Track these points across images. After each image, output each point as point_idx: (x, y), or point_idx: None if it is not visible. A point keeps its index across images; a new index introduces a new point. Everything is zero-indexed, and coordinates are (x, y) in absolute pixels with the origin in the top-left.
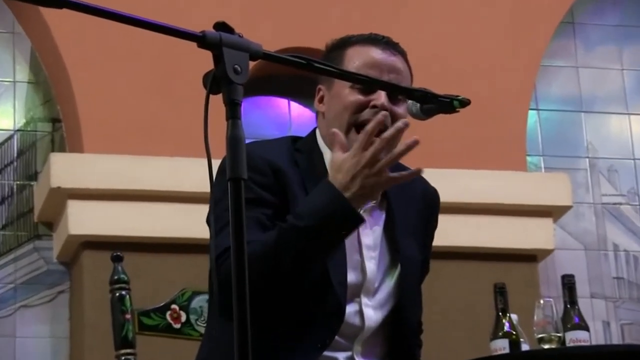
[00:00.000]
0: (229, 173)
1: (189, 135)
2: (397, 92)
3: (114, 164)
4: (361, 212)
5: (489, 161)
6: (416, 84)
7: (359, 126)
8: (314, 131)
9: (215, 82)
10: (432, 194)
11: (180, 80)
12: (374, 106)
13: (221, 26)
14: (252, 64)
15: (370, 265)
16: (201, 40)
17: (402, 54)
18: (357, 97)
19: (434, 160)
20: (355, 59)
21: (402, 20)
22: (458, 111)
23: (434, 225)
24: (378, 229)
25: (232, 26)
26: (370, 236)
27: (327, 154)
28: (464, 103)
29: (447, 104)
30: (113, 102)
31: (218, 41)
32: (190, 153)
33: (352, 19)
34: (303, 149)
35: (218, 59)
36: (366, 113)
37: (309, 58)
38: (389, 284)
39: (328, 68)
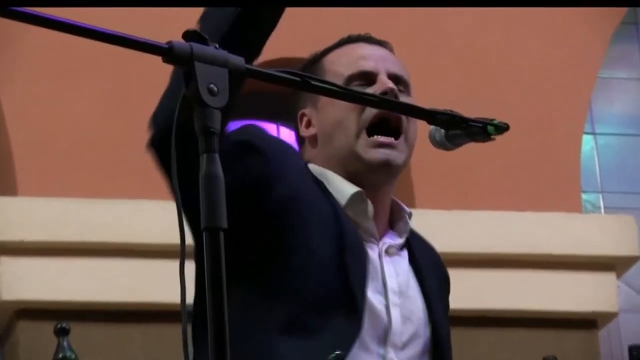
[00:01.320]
0: (204, 221)
1: (152, 173)
2: (415, 115)
3: (56, 210)
4: (384, 247)
5: (535, 201)
6: (442, 104)
7: (373, 127)
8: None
9: (185, 105)
10: (446, 271)
11: (141, 104)
12: (383, 93)
13: (192, 35)
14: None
15: (395, 314)
16: (167, 53)
17: (392, 50)
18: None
19: (465, 200)
20: (339, 61)
21: (426, 27)
22: (494, 139)
23: (448, 304)
24: (403, 274)
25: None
26: (394, 279)
27: (334, 180)
28: (501, 129)
29: (480, 130)
30: (54, 131)
31: (188, 54)
32: (153, 195)
33: (359, 23)
34: None
35: (189, 77)
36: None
37: (305, 74)
38: (419, 342)
39: (330, 87)
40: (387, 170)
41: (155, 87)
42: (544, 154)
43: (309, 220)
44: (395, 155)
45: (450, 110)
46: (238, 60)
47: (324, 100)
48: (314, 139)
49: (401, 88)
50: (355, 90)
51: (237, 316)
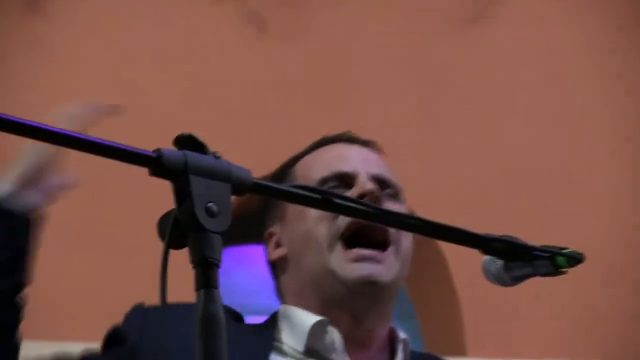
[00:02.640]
0: None
1: None
2: (465, 242)
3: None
4: None
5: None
6: (486, 225)
7: (351, 239)
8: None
9: (177, 230)
10: None
11: (121, 228)
12: (362, 196)
13: (186, 141)
14: (234, 199)
15: None
16: (155, 163)
17: (378, 151)
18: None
19: (515, 349)
20: (312, 165)
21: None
22: (565, 272)
23: None
24: None
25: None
26: None
27: (294, 317)
28: (574, 260)
29: (548, 262)
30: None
31: (182, 165)
32: None
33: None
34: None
35: (182, 194)
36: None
37: (326, 191)
38: None
39: (357, 206)
40: (372, 290)
41: (139, 210)
42: (630, 296)
43: None
44: (382, 272)
45: (510, 237)
46: (243, 171)
47: (292, 212)
48: (283, 261)
49: (389, 192)
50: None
51: None
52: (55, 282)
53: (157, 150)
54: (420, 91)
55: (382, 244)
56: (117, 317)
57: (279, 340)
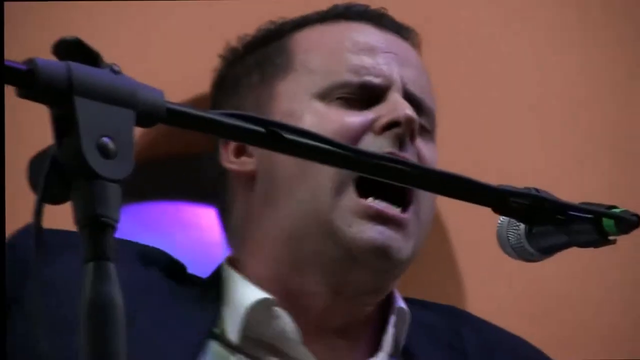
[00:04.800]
0: None
1: None
2: (466, 197)
3: None
4: None
5: None
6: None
7: (366, 184)
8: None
9: (56, 176)
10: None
11: None
12: (391, 125)
13: (71, 48)
14: (141, 133)
15: None
16: (24, 79)
17: (417, 45)
18: (347, 117)
19: None
20: (317, 50)
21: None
22: (614, 241)
23: None
24: None
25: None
26: None
27: (234, 290)
28: (629, 224)
29: (589, 227)
30: None
31: (64, 81)
32: None
33: None
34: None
35: (63, 125)
36: (371, 142)
37: (274, 123)
38: None
39: (323, 145)
40: (382, 265)
41: None
42: None
43: None
44: (400, 243)
45: (536, 190)
46: (153, 94)
47: (283, 108)
48: (247, 183)
49: (423, 123)
50: (372, 153)
51: None
52: None
53: (29, 61)
54: None
55: (401, 200)
56: None
57: (221, 318)
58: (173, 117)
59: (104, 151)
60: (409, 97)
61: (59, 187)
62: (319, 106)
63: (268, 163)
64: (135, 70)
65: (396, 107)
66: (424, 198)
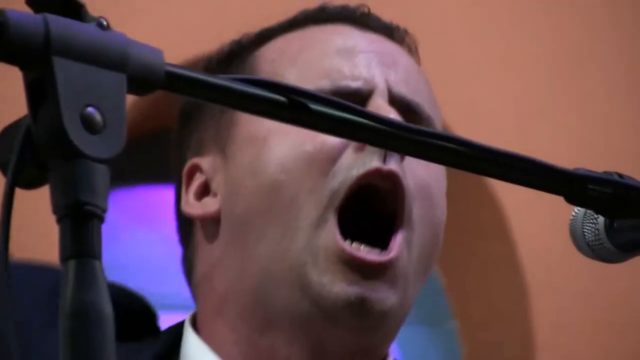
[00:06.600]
0: None
1: None
2: (529, 182)
3: None
4: None
5: None
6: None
7: (347, 211)
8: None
9: (31, 155)
10: None
11: None
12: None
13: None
14: (133, 101)
15: None
16: None
17: (411, 45)
18: (320, 135)
19: None
20: (290, 58)
21: None
22: None
23: None
24: None
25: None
26: None
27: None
28: None
29: None
30: None
31: (40, 38)
32: None
33: None
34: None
35: (40, 91)
36: (350, 161)
37: (301, 89)
38: None
39: (356, 117)
40: (362, 321)
41: None
42: None
43: None
44: (382, 292)
45: (619, 175)
46: (150, 54)
47: (242, 134)
48: (211, 225)
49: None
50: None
51: None
52: None
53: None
54: None
55: (390, 221)
56: None
57: None
58: (174, 82)
59: (88, 124)
60: (397, 101)
61: (33, 168)
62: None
63: (234, 200)
64: (127, 26)
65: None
66: (421, 216)
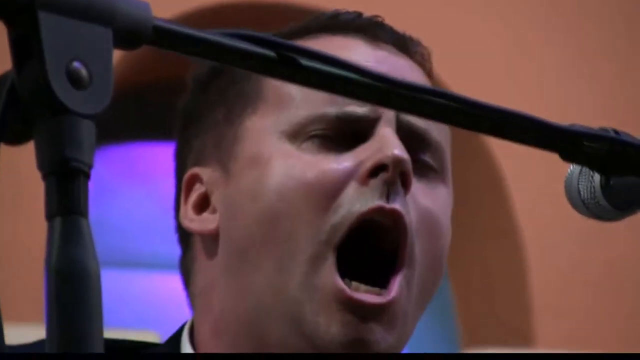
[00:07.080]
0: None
1: None
2: (522, 138)
3: None
4: None
5: None
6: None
7: (346, 248)
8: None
9: (15, 110)
10: None
11: None
12: (378, 169)
13: None
14: (121, 56)
15: None
16: None
17: (425, 62)
18: (323, 163)
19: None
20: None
21: None
22: None
23: None
24: None
25: None
26: None
27: None
28: None
29: None
30: None
31: None
32: None
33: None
34: None
35: (24, 46)
36: (354, 195)
37: (292, 45)
38: None
39: (350, 74)
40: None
41: None
42: None
43: None
44: (379, 334)
45: (615, 131)
46: (136, 7)
47: (248, 152)
48: (210, 242)
49: (427, 161)
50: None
51: None
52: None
53: None
54: None
55: (392, 260)
56: None
57: None
58: (161, 37)
59: (75, 79)
60: (405, 129)
61: (18, 123)
62: (289, 149)
63: (232, 224)
64: None
65: (382, 145)
66: (424, 251)
